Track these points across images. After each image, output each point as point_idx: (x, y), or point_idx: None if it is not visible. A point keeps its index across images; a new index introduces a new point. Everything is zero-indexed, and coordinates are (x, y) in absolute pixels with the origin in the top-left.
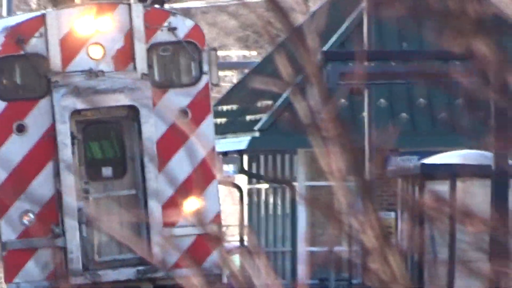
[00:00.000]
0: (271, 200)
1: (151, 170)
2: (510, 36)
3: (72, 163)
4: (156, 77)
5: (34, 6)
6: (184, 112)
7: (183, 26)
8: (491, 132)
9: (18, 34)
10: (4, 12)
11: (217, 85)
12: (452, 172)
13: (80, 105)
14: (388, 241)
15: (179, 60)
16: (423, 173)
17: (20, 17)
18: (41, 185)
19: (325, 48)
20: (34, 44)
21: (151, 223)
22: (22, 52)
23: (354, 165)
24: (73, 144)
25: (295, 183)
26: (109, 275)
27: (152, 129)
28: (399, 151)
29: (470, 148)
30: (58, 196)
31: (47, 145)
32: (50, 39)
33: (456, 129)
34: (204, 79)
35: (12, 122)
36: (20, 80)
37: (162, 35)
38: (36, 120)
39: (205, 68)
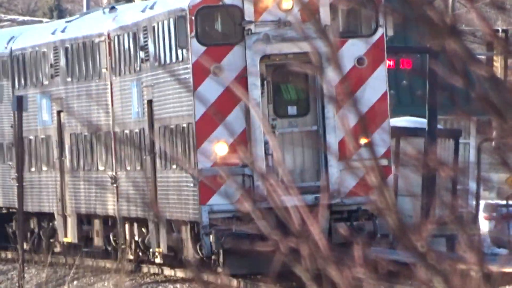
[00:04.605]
0: None
1: (330, 110)
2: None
3: (261, 102)
4: (338, 28)
5: None
6: (361, 59)
7: None
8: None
9: None
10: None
11: (391, 36)
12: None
13: (269, 50)
14: None
15: (358, 13)
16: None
17: None
18: (234, 120)
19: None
20: None
21: (328, 155)
22: (221, 3)
23: None
24: (262, 85)
25: None
26: (290, 200)
27: (332, 73)
28: None
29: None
30: (248, 130)
31: (240, 85)
32: None
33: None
34: (380, 31)
35: (210, 64)
36: (219, 28)
37: None
38: (230, 63)
39: (381, 21)
